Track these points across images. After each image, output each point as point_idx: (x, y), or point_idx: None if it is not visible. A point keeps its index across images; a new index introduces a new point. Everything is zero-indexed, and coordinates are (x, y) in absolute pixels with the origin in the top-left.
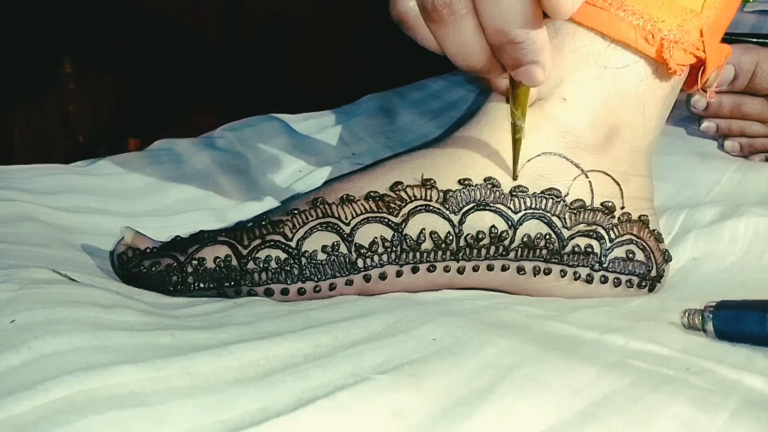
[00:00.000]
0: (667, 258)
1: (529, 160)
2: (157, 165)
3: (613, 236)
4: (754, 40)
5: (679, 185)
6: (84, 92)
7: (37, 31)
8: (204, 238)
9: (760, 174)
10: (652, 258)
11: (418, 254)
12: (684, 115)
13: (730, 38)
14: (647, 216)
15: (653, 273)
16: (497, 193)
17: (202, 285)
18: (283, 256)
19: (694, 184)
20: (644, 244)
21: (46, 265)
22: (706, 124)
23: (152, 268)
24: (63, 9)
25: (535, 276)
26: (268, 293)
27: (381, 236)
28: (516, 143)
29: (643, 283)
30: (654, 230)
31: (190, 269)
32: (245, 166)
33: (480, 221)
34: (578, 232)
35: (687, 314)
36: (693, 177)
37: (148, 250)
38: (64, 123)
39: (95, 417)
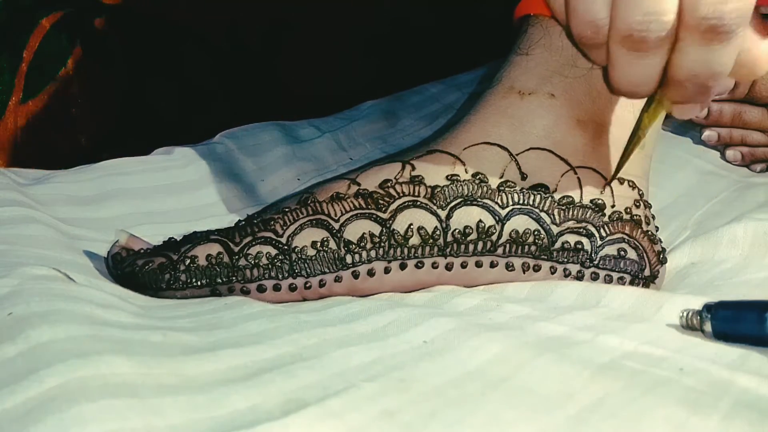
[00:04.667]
0: (662, 260)
1: (618, 171)
2: (157, 172)
3: (603, 234)
4: None
5: (676, 194)
6: (87, 95)
7: (40, 33)
8: (196, 237)
9: (758, 190)
10: (645, 257)
11: (406, 250)
12: (690, 125)
13: None
14: (640, 216)
15: (646, 272)
16: (485, 188)
17: (194, 282)
18: (273, 252)
19: (692, 194)
20: (637, 243)
21: (46, 264)
22: (708, 134)
23: (145, 266)
24: (66, 11)
25: (524, 273)
26: (261, 289)
27: (369, 232)
28: (629, 149)
29: (636, 282)
30: (648, 231)
31: (182, 267)
32: (244, 173)
33: (467, 216)
34: (567, 228)
35: (685, 314)
36: (692, 189)
37: (141, 251)
38: (66, 126)
39: (88, 405)
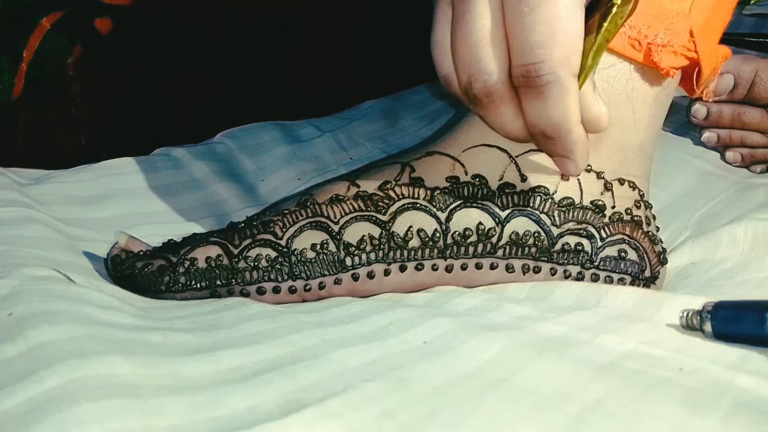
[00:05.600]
0: (663, 260)
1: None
2: (157, 172)
3: (604, 235)
4: (755, 39)
5: (676, 195)
6: (87, 95)
7: (40, 33)
8: (196, 239)
9: (758, 190)
10: (646, 258)
11: (405, 252)
12: (690, 126)
13: (730, 38)
14: (641, 217)
15: (647, 273)
16: (484, 190)
17: (194, 284)
18: (273, 254)
19: (693, 195)
20: (637, 244)
21: (46, 265)
22: (707, 135)
23: (144, 269)
24: (66, 11)
25: (524, 274)
26: (260, 292)
27: (369, 234)
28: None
29: (636, 283)
30: (648, 232)
31: (182, 269)
32: (244, 173)
33: (467, 218)
34: (567, 230)
35: (685, 315)
36: (693, 189)
37: (141, 253)
38: (67, 126)
39: (88, 405)
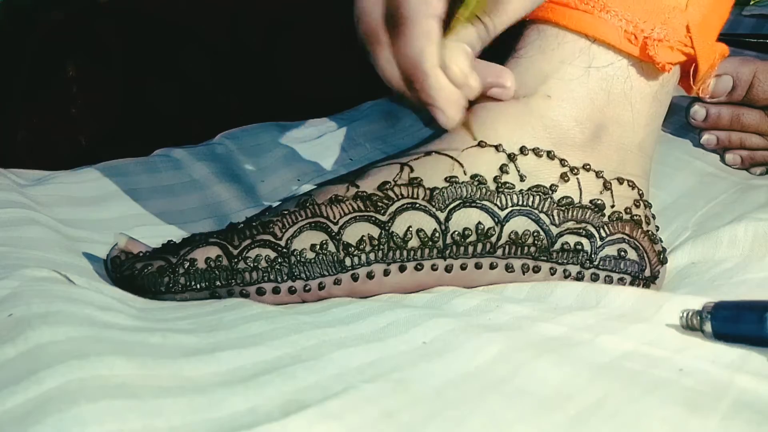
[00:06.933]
0: (662, 260)
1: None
2: (157, 172)
3: (603, 234)
4: (754, 40)
5: (676, 195)
6: (87, 96)
7: (40, 34)
8: (196, 240)
9: (758, 191)
10: (646, 258)
11: (405, 252)
12: (690, 127)
13: (730, 38)
14: (640, 216)
15: (647, 273)
16: (483, 190)
17: (193, 285)
18: (272, 254)
19: (693, 196)
20: (637, 243)
21: (46, 266)
22: (706, 137)
23: (144, 270)
24: (66, 12)
25: (524, 274)
26: (260, 292)
27: (368, 234)
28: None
29: (636, 282)
30: (648, 231)
31: (181, 270)
32: (244, 173)
33: (466, 218)
34: (567, 229)
35: (685, 314)
36: (693, 190)
37: (140, 254)
38: (66, 126)
39: (88, 405)
